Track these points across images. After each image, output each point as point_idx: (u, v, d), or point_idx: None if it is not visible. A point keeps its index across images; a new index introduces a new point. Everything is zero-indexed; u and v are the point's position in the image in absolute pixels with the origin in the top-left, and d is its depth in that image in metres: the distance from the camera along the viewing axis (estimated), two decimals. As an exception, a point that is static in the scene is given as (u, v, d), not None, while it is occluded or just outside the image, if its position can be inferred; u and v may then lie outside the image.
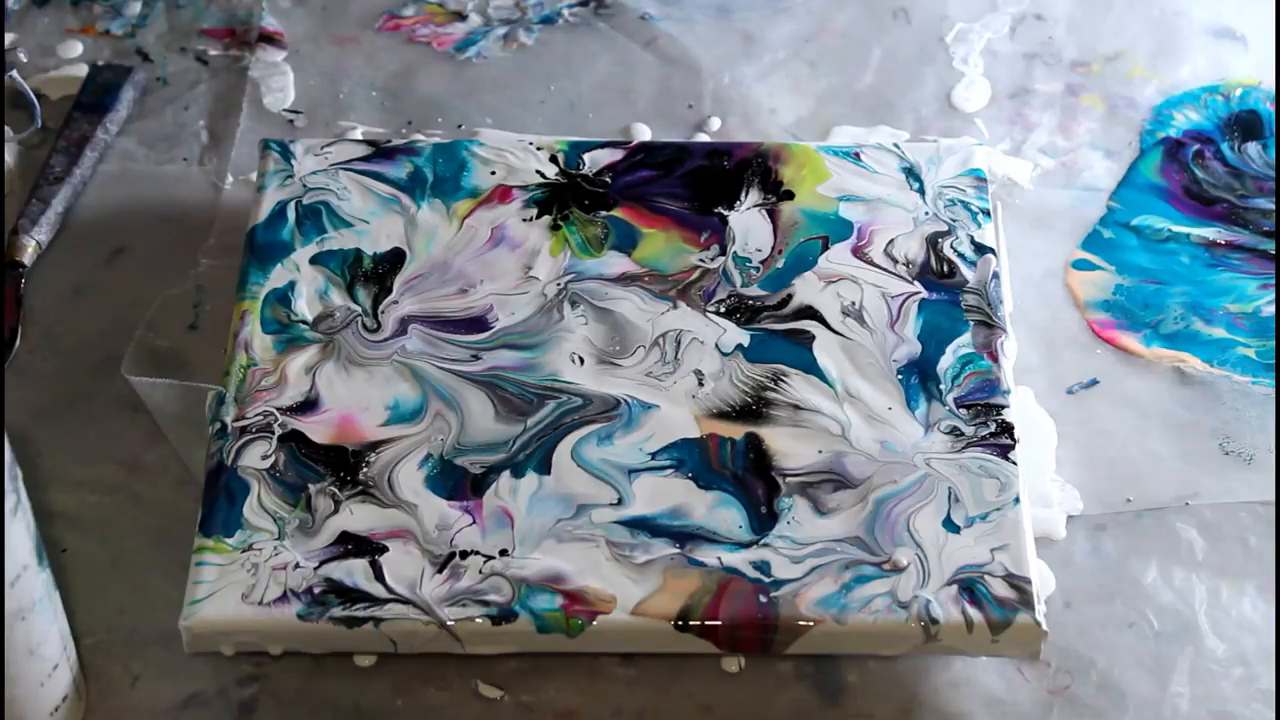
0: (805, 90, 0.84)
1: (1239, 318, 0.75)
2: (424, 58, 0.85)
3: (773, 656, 0.64)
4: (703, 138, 0.82)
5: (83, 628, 0.64)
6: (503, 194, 0.74)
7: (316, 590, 0.62)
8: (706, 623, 0.62)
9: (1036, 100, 0.84)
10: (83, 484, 0.69)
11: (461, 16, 0.87)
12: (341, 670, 0.64)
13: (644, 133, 0.82)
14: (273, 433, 0.66)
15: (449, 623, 0.61)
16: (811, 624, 0.62)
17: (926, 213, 0.73)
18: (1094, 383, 0.73)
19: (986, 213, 0.73)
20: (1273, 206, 0.79)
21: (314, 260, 0.71)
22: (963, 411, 0.67)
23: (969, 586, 0.62)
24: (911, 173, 0.75)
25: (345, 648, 0.63)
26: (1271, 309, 0.76)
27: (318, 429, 0.66)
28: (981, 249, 0.72)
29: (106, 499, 0.69)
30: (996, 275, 0.71)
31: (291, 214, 0.73)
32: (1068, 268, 0.77)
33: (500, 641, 0.62)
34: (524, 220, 0.73)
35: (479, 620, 0.61)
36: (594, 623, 0.62)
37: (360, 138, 0.81)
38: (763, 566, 0.63)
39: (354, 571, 0.62)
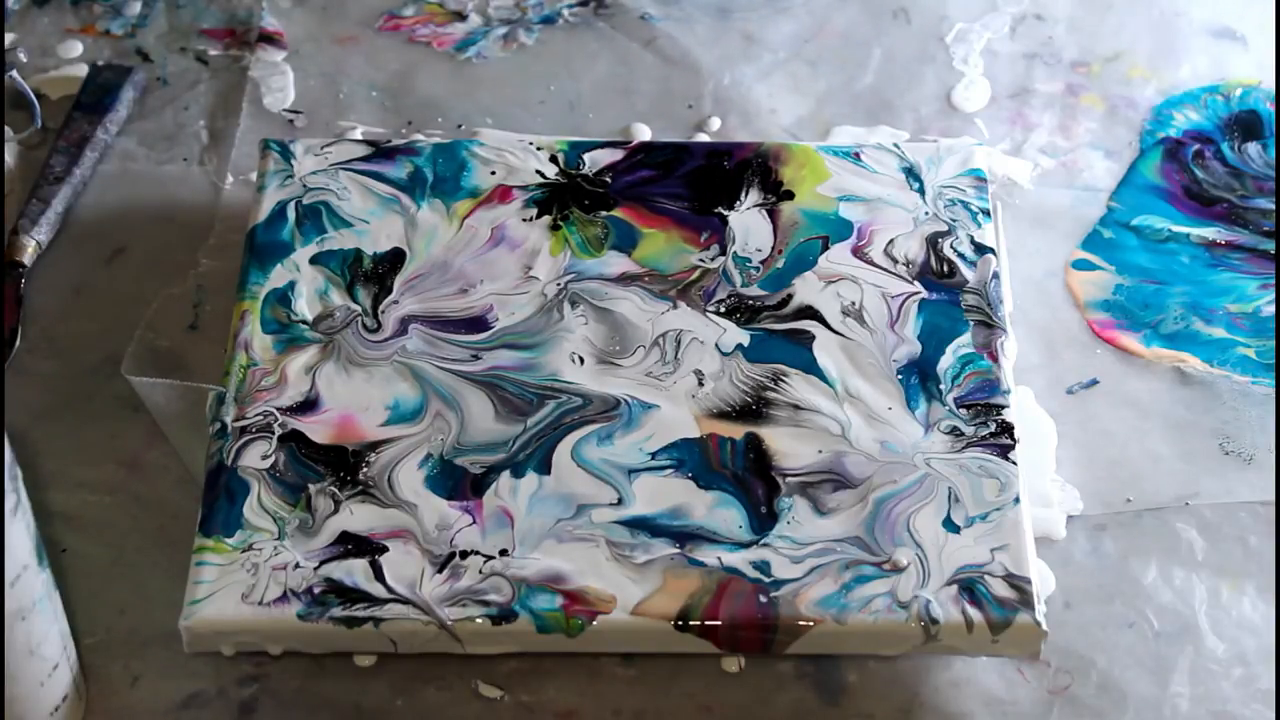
0: (805, 90, 0.84)
1: (1239, 318, 0.75)
2: (424, 58, 0.85)
3: (773, 657, 0.64)
4: (703, 138, 0.82)
5: (83, 628, 0.64)
6: (503, 194, 0.74)
7: (316, 590, 0.62)
8: (706, 623, 0.62)
9: (1036, 100, 0.84)
10: (83, 484, 0.69)
11: (461, 16, 0.87)
12: (341, 670, 0.64)
13: (644, 133, 0.82)
14: (273, 433, 0.66)
15: (449, 623, 0.61)
16: (811, 624, 0.62)
17: (926, 213, 0.73)
18: (1094, 383, 0.73)
19: (986, 213, 0.73)
20: (1273, 206, 0.79)
21: (314, 260, 0.71)
22: (963, 411, 0.67)
23: (969, 586, 0.62)
24: (911, 173, 0.75)
25: (345, 648, 0.63)
26: (1271, 309, 0.76)
27: (318, 429, 0.66)
28: (981, 249, 0.72)
29: (106, 499, 0.69)
30: (996, 275, 0.71)
31: (291, 214, 0.73)
32: (1068, 268, 0.77)
33: (500, 641, 0.62)
34: (524, 220, 0.73)
35: (479, 620, 0.62)
36: (594, 623, 0.62)
37: (360, 138, 0.81)
38: (763, 566, 0.63)
39: (354, 571, 0.62)
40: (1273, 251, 0.78)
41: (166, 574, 0.65)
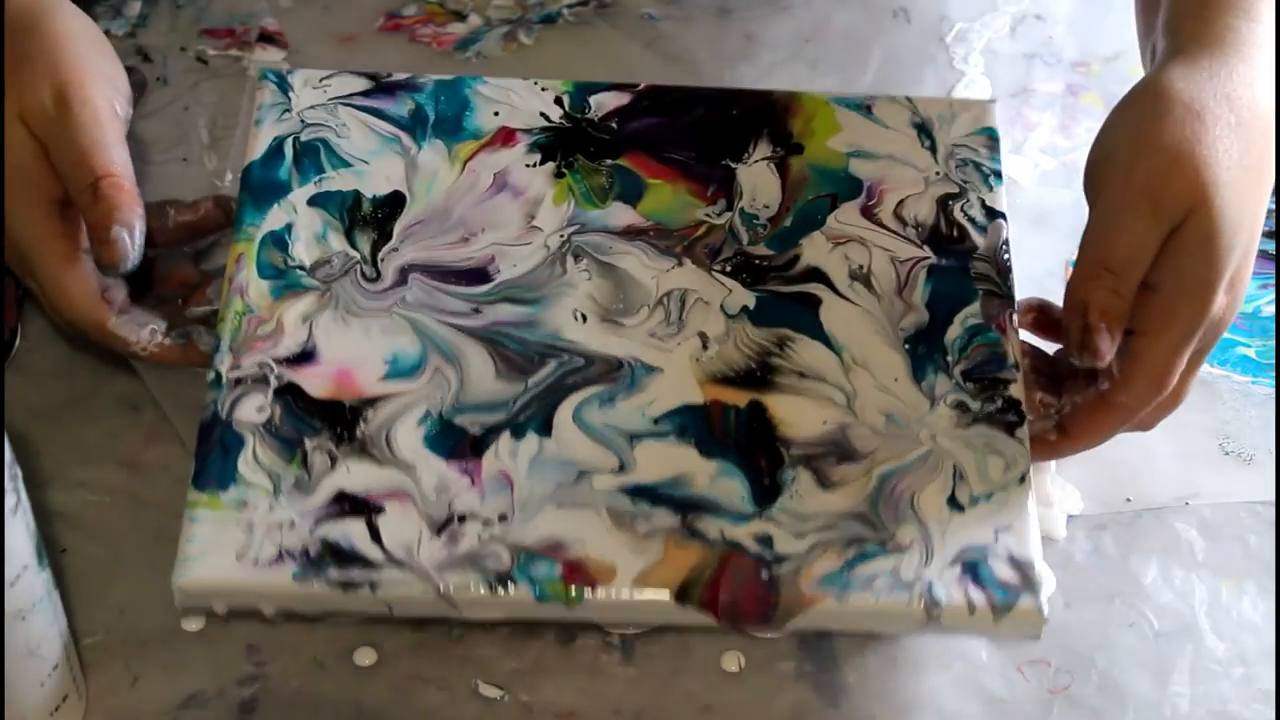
0: (805, 90, 0.84)
1: (1239, 318, 0.75)
2: (424, 58, 0.85)
3: (774, 630, 0.62)
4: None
5: (83, 628, 0.64)
6: (506, 136, 0.72)
7: (312, 552, 0.61)
8: (707, 597, 0.61)
9: (1036, 100, 0.84)
10: (83, 484, 0.69)
11: (461, 16, 0.87)
12: (341, 670, 0.64)
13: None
14: (268, 384, 0.65)
15: (446, 589, 0.60)
16: (813, 602, 0.61)
17: (938, 173, 0.72)
18: (1094, 383, 0.73)
19: (999, 175, 0.72)
20: (1273, 206, 0.79)
21: (311, 202, 0.70)
22: (970, 385, 0.66)
23: (972, 567, 0.62)
24: (923, 129, 0.73)
25: (340, 610, 0.62)
26: (1271, 309, 0.76)
27: (314, 382, 0.65)
28: (993, 214, 0.71)
29: (106, 499, 0.69)
30: (1007, 242, 0.70)
31: (289, 151, 0.71)
32: (1068, 267, 0.77)
33: (497, 609, 0.61)
34: (527, 166, 0.71)
35: (476, 587, 0.61)
36: (593, 593, 0.61)
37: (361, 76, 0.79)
38: (765, 540, 0.62)
39: (350, 534, 0.61)
40: (1273, 251, 0.78)
41: (166, 574, 0.65)
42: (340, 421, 0.64)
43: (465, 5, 0.87)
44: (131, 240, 0.65)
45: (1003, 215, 0.71)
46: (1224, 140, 0.63)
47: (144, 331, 0.67)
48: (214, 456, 0.63)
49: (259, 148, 0.71)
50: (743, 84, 0.84)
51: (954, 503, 0.63)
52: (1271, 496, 0.70)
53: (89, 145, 0.65)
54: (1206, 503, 0.70)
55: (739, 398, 0.66)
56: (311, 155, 0.71)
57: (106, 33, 0.86)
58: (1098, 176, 0.65)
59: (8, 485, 0.54)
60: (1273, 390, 0.73)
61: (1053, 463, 0.70)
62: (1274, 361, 0.74)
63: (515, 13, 0.87)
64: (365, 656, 0.64)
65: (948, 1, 0.88)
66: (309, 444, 0.63)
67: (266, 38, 0.86)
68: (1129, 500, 0.70)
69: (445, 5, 0.88)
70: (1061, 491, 0.70)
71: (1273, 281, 0.76)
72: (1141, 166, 0.63)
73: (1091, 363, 0.63)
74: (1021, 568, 0.62)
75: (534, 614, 0.61)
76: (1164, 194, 0.63)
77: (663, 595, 0.61)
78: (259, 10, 0.87)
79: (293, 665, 0.64)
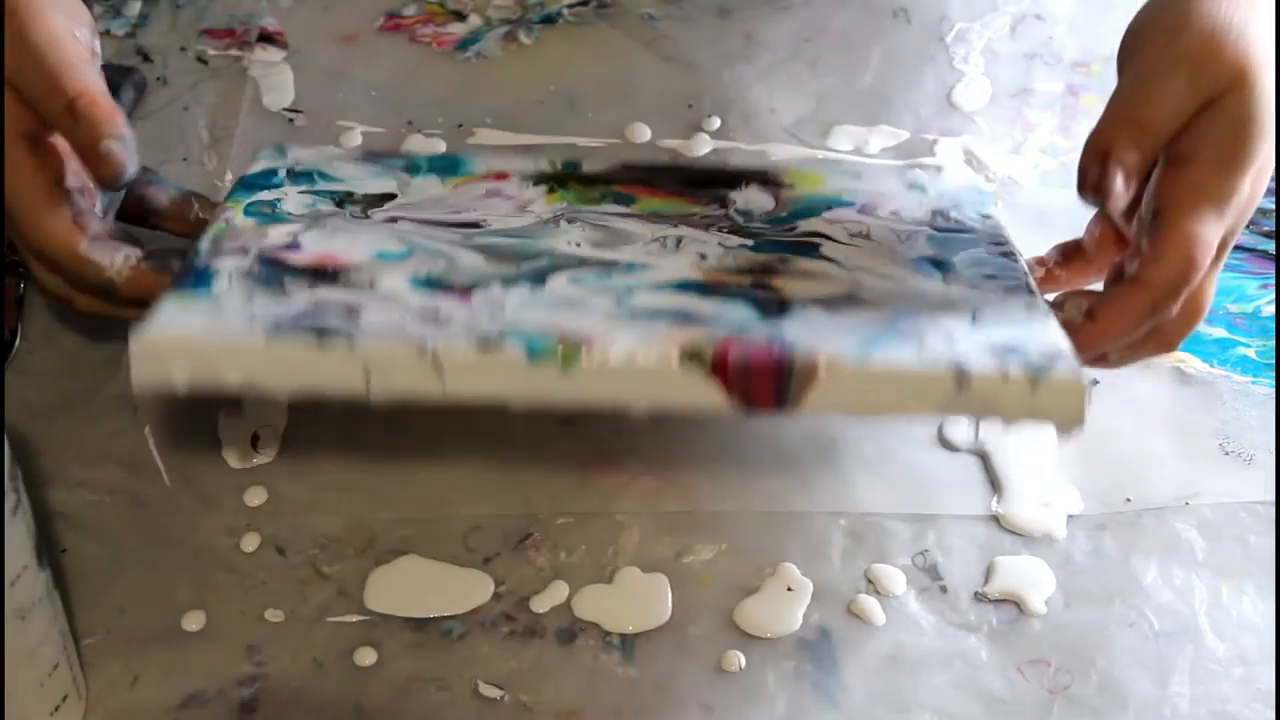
0: (805, 90, 0.84)
1: (1239, 318, 0.75)
2: (424, 58, 0.85)
3: (788, 409, 0.58)
4: (703, 137, 0.82)
5: (83, 628, 0.65)
6: (498, 175, 0.73)
7: (285, 319, 0.59)
8: (716, 362, 0.57)
9: (1036, 100, 0.84)
10: (83, 484, 0.69)
11: (461, 16, 0.87)
12: (341, 670, 0.64)
13: (644, 133, 0.82)
14: (248, 254, 0.64)
15: (432, 349, 0.58)
16: (831, 368, 0.57)
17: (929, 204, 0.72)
18: (1094, 383, 0.73)
19: (990, 202, 0.72)
20: (1273, 206, 0.79)
21: (302, 192, 0.70)
22: (981, 280, 0.64)
23: (1002, 347, 0.58)
24: (914, 185, 0.74)
25: (312, 380, 0.59)
26: (1271, 309, 0.76)
27: (297, 261, 0.64)
28: (987, 218, 0.70)
29: (106, 499, 0.69)
30: (1005, 231, 0.69)
31: (283, 172, 0.71)
32: (1068, 268, 0.77)
33: (486, 376, 0.58)
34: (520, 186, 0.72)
35: (463, 348, 0.58)
36: (591, 357, 0.57)
37: (359, 140, 0.80)
38: (777, 333, 0.59)
39: (329, 315, 0.59)
40: (1273, 251, 0.78)
41: (166, 574, 0.65)
42: (322, 275, 0.63)
43: (465, 5, 0.88)
44: (125, 149, 0.64)
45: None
46: (1274, 28, 0.61)
47: (118, 255, 0.65)
48: (188, 280, 0.62)
49: (253, 170, 0.72)
50: (743, 84, 0.84)
51: (975, 319, 0.61)
52: (1271, 496, 0.70)
53: (55, 68, 0.64)
54: (1206, 503, 0.70)
55: (742, 280, 0.64)
56: (305, 176, 0.71)
57: (106, 33, 0.86)
58: (1134, 45, 0.63)
59: (8, 485, 0.54)
60: (1273, 390, 0.73)
61: (1053, 461, 0.70)
62: (1274, 361, 0.74)
63: (515, 13, 0.87)
64: (365, 656, 0.64)
65: (948, 1, 0.88)
66: (287, 280, 0.62)
67: (266, 38, 0.86)
68: (1129, 500, 0.70)
69: (445, 5, 0.88)
70: (1061, 491, 0.70)
71: (1273, 281, 0.77)
72: (1186, 35, 0.61)
73: (1101, 204, 0.61)
74: (1056, 349, 0.58)
75: (525, 388, 0.58)
76: (1206, 65, 0.61)
77: (667, 358, 0.57)
78: (259, 10, 0.87)
79: (293, 665, 0.64)
